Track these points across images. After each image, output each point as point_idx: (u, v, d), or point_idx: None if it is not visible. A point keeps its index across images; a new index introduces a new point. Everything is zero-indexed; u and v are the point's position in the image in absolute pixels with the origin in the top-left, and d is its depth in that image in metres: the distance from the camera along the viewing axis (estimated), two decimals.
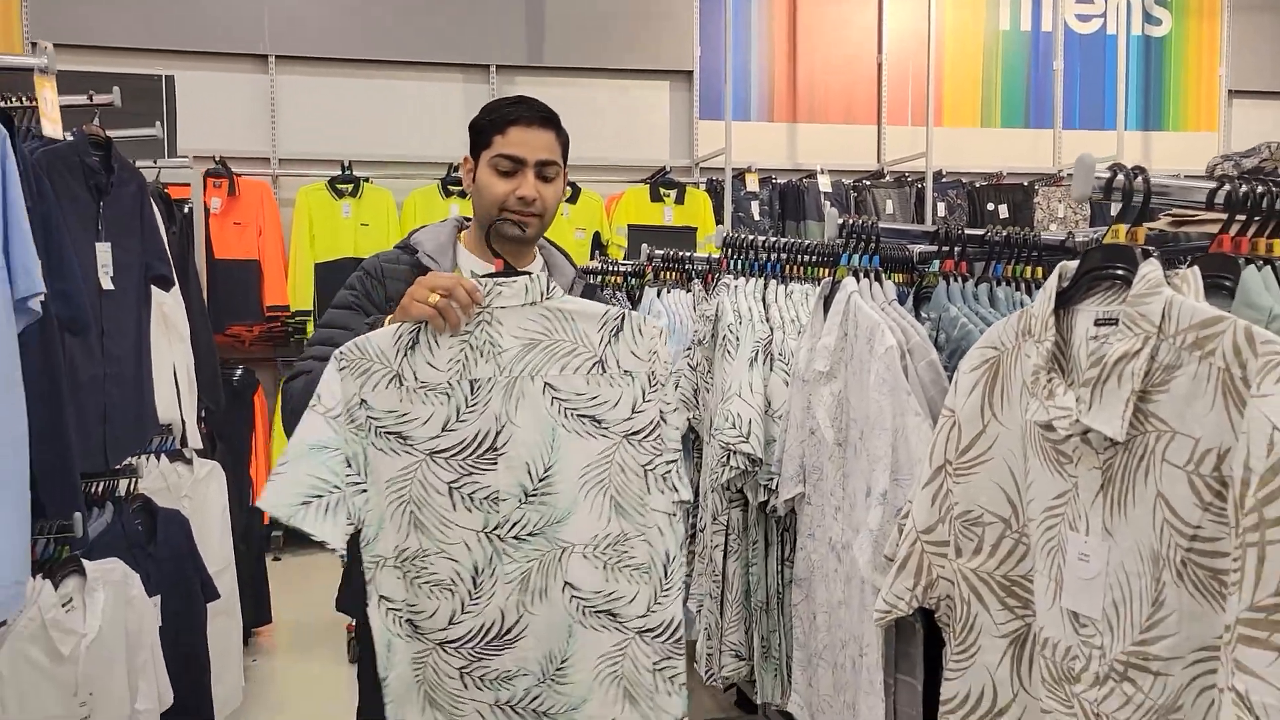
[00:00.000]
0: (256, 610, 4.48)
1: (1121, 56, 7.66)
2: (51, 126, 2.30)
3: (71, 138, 2.61)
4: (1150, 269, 1.27)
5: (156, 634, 2.67)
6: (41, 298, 1.94)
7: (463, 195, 6.40)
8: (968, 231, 2.08)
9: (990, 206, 7.33)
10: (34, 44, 6.03)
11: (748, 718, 3.82)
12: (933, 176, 7.15)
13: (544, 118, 1.91)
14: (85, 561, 2.45)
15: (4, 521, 1.81)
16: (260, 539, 4.92)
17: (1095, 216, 6.68)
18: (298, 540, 4.80)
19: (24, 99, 2.60)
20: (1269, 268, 1.42)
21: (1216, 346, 1.21)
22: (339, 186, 6.33)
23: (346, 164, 6.40)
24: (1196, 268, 1.32)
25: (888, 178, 7.32)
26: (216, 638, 3.39)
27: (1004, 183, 7.40)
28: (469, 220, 2.04)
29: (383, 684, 1.70)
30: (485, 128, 1.92)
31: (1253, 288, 1.39)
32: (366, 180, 6.40)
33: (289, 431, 1.68)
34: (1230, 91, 8.05)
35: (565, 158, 1.96)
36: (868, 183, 7.25)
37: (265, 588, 4.66)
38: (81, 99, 2.76)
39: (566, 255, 2.09)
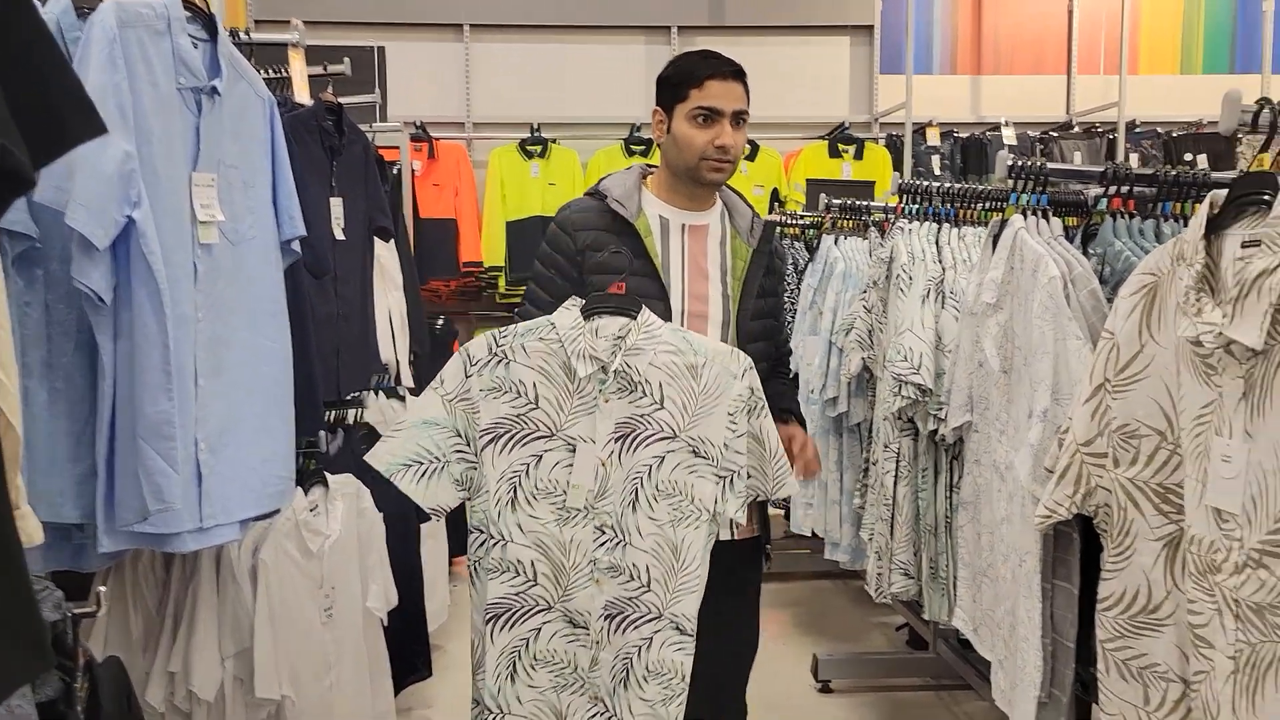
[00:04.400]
0: (454, 542, 4.86)
1: None
2: (302, 94, 2.63)
3: (310, 104, 2.97)
4: None
5: (384, 543, 3.02)
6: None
7: (644, 155, 6.65)
8: (1135, 171, 2.15)
9: (1188, 157, 7.00)
10: (257, 21, 6.59)
11: (918, 653, 3.96)
12: (1125, 127, 6.89)
13: (735, 70, 2.09)
14: (327, 474, 2.82)
15: (281, 428, 2.16)
16: None
17: None
18: None
19: (270, 69, 2.96)
20: None
21: None
22: (528, 148, 6.67)
23: (535, 126, 6.73)
24: None
25: (1076, 129, 7.11)
26: (428, 559, 3.75)
27: (1204, 132, 7.06)
28: (651, 168, 2.25)
29: None
30: (681, 82, 2.08)
31: None
32: (554, 141, 6.72)
33: None
34: None
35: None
36: (1054, 134, 7.07)
37: (464, 523, 5.01)
38: (317, 69, 3.11)
39: (741, 196, 2.25)
